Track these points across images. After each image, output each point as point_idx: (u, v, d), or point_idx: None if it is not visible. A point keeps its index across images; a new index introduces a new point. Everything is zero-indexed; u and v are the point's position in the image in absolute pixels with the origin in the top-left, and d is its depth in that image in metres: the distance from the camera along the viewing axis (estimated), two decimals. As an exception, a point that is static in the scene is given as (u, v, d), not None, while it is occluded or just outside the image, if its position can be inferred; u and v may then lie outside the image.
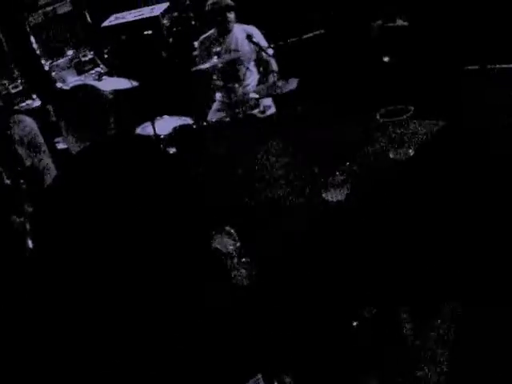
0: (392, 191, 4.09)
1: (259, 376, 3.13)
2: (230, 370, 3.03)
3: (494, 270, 4.03)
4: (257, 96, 6.50)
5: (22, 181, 4.35)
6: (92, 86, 3.38)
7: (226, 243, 3.38)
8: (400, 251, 3.95)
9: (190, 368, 2.96)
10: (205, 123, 6.31)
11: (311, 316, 3.54)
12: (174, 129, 6.08)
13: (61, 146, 6.32)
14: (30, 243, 4.17)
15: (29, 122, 4.63)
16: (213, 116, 6.99)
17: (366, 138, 4.59)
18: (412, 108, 4.39)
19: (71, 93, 3.40)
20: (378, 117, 4.43)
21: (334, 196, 4.00)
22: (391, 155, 4.36)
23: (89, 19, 8.85)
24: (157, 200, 3.07)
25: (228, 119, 6.44)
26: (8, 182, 4.36)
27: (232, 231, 3.43)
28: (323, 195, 4.03)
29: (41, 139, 4.62)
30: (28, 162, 4.50)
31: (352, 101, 5.92)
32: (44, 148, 4.62)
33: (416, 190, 4.16)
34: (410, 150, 4.35)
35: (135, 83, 6.58)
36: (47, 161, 4.59)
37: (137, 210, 3.01)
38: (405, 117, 4.36)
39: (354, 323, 3.63)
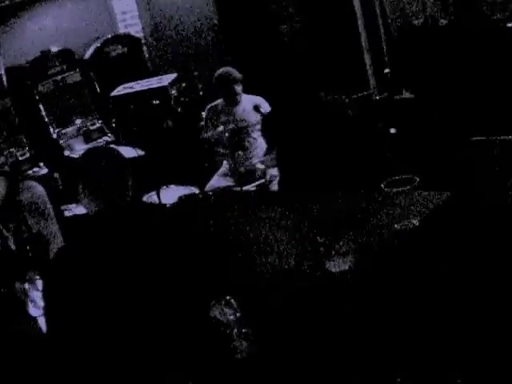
0: (396, 262, 4.04)
1: None
2: None
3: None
4: (263, 166, 6.53)
5: (27, 247, 4.33)
6: (113, 149, 3.39)
7: (226, 313, 3.33)
8: (404, 326, 3.88)
9: None
10: (210, 192, 6.32)
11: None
12: (180, 198, 6.08)
13: (67, 213, 6.33)
14: (31, 310, 4.16)
15: (39, 188, 4.62)
16: (217, 182, 7.01)
17: (371, 207, 4.56)
18: (417, 179, 4.38)
19: (92, 154, 3.41)
20: (383, 187, 4.43)
21: (336, 266, 3.96)
22: (396, 226, 4.32)
23: (98, 89, 8.98)
24: (159, 268, 3.05)
25: (233, 187, 6.47)
26: (13, 247, 4.35)
27: (232, 301, 3.38)
28: (326, 265, 3.99)
29: (49, 206, 4.61)
30: (35, 229, 4.48)
31: (358, 170, 5.92)
32: (52, 215, 4.60)
33: (421, 263, 4.10)
34: (415, 221, 4.31)
35: (141, 152, 6.62)
36: (54, 228, 4.56)
37: (140, 278, 2.99)
38: (410, 187, 4.35)
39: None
